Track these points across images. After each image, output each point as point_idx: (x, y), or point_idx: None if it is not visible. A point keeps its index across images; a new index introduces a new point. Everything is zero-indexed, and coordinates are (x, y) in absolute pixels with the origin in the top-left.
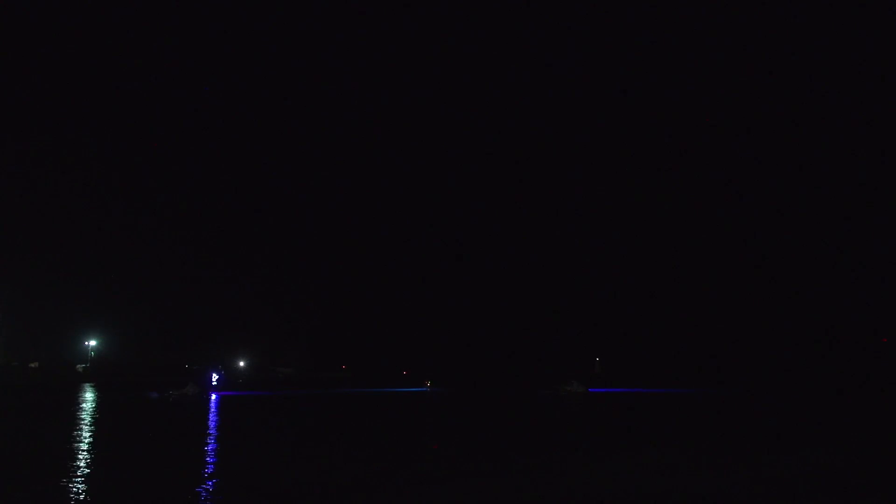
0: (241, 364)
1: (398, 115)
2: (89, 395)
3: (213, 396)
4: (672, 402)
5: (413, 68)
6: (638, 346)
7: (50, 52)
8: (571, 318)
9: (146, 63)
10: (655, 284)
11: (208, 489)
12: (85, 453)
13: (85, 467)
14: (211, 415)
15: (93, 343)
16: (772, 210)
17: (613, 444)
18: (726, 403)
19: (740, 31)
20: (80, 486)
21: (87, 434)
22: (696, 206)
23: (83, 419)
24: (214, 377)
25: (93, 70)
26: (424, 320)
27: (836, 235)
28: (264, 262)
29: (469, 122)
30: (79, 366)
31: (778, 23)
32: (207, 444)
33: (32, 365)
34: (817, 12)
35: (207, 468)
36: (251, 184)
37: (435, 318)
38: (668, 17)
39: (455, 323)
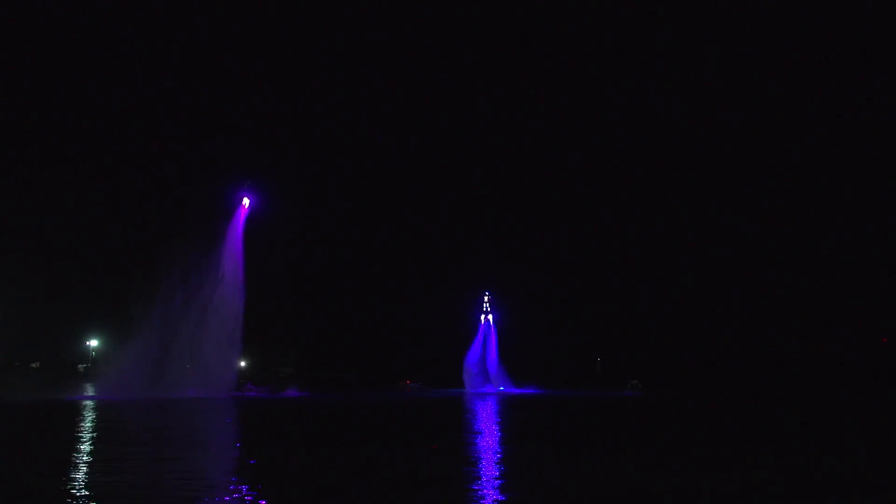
0: (242, 364)
1: (398, 112)
2: (90, 395)
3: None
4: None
5: (412, 68)
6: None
7: (49, 51)
8: (571, 318)
9: (146, 62)
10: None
11: (204, 492)
12: (86, 455)
13: (86, 470)
14: (224, 416)
15: (94, 343)
16: (771, 209)
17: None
18: (728, 404)
19: (740, 30)
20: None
21: (89, 435)
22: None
23: (85, 420)
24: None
25: (92, 69)
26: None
27: (836, 234)
28: (263, 262)
29: (467, 121)
30: (80, 366)
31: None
32: (209, 447)
33: (33, 365)
34: (818, 12)
35: (208, 470)
36: (251, 183)
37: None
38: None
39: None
